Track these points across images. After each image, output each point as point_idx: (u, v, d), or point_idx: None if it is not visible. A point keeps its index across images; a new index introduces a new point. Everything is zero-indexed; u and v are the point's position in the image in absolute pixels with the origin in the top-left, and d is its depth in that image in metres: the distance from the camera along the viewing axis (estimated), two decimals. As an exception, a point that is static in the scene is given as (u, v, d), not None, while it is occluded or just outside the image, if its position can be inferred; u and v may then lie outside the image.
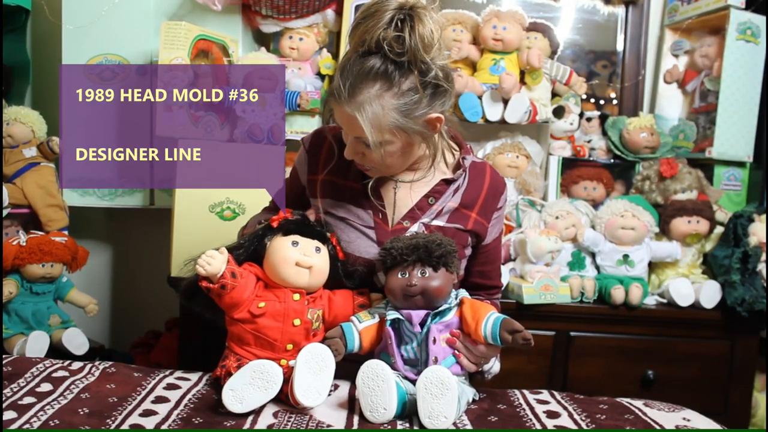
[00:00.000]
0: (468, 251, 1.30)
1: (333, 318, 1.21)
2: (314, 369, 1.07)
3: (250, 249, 1.20)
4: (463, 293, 1.19)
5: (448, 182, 1.28)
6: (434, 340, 1.12)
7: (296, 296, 1.16)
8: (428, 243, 1.13)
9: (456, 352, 1.15)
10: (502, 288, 1.43)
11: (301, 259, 1.16)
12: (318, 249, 1.19)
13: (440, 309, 1.13)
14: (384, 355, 1.15)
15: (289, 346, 1.15)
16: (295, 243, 1.17)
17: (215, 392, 1.15)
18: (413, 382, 1.08)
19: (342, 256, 1.24)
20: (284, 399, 1.10)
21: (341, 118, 1.16)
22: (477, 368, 1.18)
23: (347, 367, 1.15)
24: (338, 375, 1.19)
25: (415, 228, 1.26)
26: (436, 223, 1.26)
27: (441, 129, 1.20)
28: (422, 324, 1.12)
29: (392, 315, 1.13)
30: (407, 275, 1.12)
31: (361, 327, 1.16)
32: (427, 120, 1.16)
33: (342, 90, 1.11)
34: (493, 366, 1.26)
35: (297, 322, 1.15)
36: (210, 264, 1.11)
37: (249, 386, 1.05)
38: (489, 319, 1.12)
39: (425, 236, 1.16)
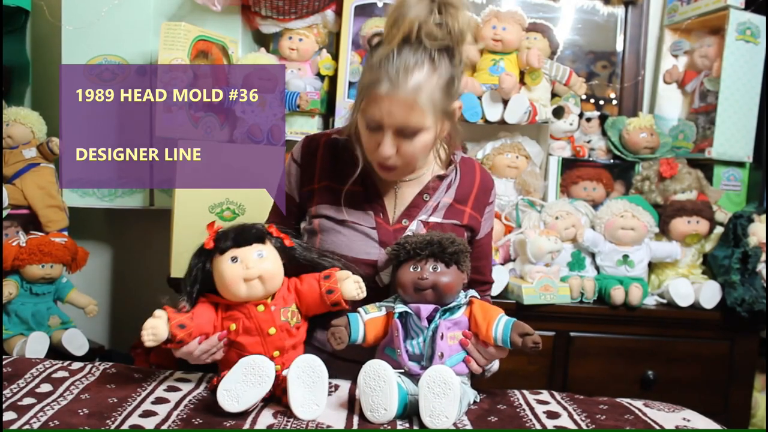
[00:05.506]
0: None
1: (306, 309, 1.18)
2: (307, 382, 1.06)
3: (195, 284, 1.14)
4: (473, 293, 1.20)
5: (440, 178, 1.29)
6: (441, 336, 1.12)
7: (260, 308, 1.13)
8: (442, 239, 1.15)
9: (467, 354, 1.15)
10: (493, 284, 1.43)
11: (246, 274, 1.10)
12: (260, 254, 1.13)
13: (449, 305, 1.14)
14: (389, 349, 1.15)
15: (276, 353, 1.13)
16: (234, 259, 1.11)
17: (214, 396, 1.15)
18: (416, 378, 1.08)
19: (290, 243, 1.18)
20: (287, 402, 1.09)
21: (388, 107, 1.11)
22: (482, 370, 1.18)
23: (348, 367, 1.15)
24: (339, 375, 1.19)
25: (413, 226, 1.26)
26: (433, 219, 1.27)
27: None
28: (430, 320, 1.12)
29: (400, 308, 1.13)
30: (419, 269, 1.13)
31: (366, 318, 1.16)
32: (454, 106, 1.18)
33: (394, 77, 1.09)
34: (494, 364, 1.26)
35: (272, 330, 1.13)
36: (155, 335, 1.08)
37: (242, 383, 1.05)
38: (500, 321, 1.13)
39: (439, 234, 1.17)
